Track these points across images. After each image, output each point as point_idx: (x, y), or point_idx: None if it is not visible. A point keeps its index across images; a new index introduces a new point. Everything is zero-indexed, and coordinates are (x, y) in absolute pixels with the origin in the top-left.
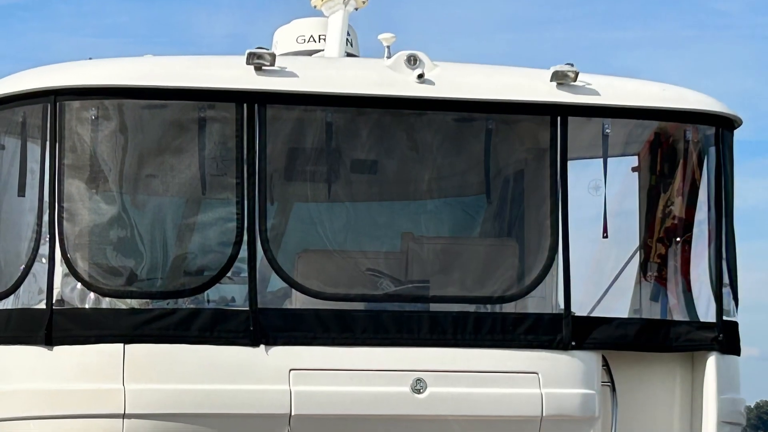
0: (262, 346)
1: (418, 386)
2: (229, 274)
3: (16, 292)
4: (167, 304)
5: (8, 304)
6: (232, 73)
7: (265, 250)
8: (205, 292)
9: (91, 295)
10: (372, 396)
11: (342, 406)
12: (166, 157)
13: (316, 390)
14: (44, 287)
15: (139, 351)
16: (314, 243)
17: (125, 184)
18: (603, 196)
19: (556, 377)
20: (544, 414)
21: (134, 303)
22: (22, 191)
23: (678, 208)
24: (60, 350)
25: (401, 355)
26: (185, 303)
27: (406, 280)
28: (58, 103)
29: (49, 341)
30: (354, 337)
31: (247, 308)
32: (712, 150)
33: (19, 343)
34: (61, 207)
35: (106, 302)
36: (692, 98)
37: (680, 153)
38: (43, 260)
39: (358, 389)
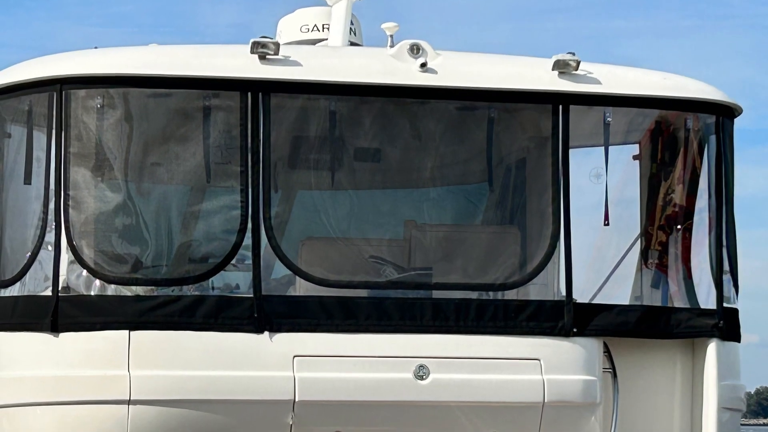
0: (266, 333)
1: (421, 373)
2: (233, 262)
3: (22, 279)
4: (172, 291)
5: (14, 291)
6: (236, 62)
7: (269, 238)
8: (210, 280)
9: (97, 282)
10: (375, 382)
11: (345, 392)
12: (171, 146)
13: (319, 376)
14: (50, 274)
15: (144, 337)
16: (318, 230)
17: (130, 172)
18: (604, 184)
19: (557, 364)
20: (545, 400)
21: (139, 290)
22: (28, 179)
23: (679, 196)
24: (66, 337)
25: (404, 342)
26: (190, 290)
27: (409, 267)
28: (63, 92)
29: (55, 328)
30: (357, 324)
31: (252, 295)
32: (713, 138)
33: (25, 330)
34: (66, 195)
35: (111, 289)
36: (693, 87)
37: (681, 141)
38: (49, 247)
39: (361, 375)
